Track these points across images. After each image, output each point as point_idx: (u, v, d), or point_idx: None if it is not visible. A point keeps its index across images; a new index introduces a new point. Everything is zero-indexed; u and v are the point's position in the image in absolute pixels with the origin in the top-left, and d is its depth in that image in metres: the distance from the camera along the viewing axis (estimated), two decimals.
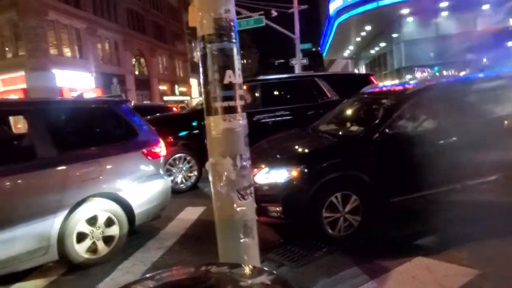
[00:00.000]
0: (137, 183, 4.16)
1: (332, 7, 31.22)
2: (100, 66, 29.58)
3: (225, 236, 2.33)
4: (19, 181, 3.48)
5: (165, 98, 39.89)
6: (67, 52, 27.21)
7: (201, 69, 2.32)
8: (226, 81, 2.24)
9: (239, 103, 2.29)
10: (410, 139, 4.22)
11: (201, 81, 2.32)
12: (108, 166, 4.00)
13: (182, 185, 6.56)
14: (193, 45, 51.72)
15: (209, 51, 2.25)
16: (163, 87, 41.18)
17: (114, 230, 3.93)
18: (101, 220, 3.85)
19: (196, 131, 6.77)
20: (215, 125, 2.27)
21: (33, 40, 23.77)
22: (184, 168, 6.55)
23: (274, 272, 1.57)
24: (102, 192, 3.89)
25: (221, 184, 2.24)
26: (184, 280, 1.50)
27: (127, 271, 3.65)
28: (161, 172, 4.58)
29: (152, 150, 4.42)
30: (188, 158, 6.56)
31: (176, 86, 44.46)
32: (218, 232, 2.37)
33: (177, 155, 6.50)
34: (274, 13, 21.51)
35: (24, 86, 24.05)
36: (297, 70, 22.72)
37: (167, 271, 1.59)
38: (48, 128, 3.79)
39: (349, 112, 5.55)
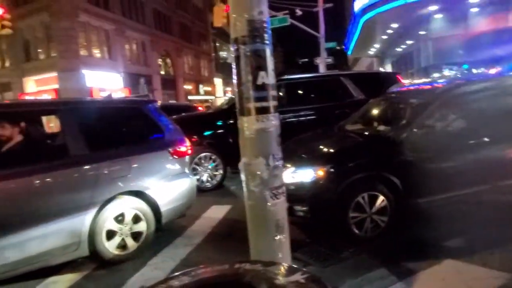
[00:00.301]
0: (164, 182, 4.24)
1: (358, 5, 30.76)
2: (128, 67, 30.30)
3: (257, 234, 2.37)
4: (53, 178, 3.58)
5: (190, 97, 40.41)
6: (96, 53, 28.02)
7: (234, 70, 2.37)
8: (259, 82, 2.28)
9: (272, 103, 2.33)
10: (440, 139, 4.14)
11: (235, 82, 2.37)
12: (136, 165, 4.09)
13: (208, 184, 6.66)
14: (217, 44, 52.20)
15: (243, 53, 2.29)
16: (188, 87, 41.75)
17: (142, 226, 4.01)
18: (129, 217, 3.93)
19: (221, 131, 6.85)
20: (248, 125, 2.31)
21: (64, 41, 24.62)
22: (210, 167, 6.64)
23: (308, 270, 1.58)
24: (130, 190, 3.98)
25: (254, 183, 2.28)
26: (218, 277, 1.53)
27: (156, 267, 3.74)
28: (187, 171, 4.64)
29: (178, 149, 4.49)
30: (213, 157, 6.65)
31: (201, 86, 44.98)
32: (250, 230, 2.41)
33: (202, 154, 6.60)
34: (299, 12, 21.44)
35: (56, 86, 24.97)
36: (322, 69, 22.55)
37: (201, 268, 1.61)
38: (79, 127, 3.91)
39: (376, 111, 5.48)
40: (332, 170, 3.96)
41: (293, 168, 4.05)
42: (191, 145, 6.65)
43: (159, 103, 5.29)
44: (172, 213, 4.35)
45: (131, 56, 32.08)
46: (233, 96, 9.13)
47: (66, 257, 3.62)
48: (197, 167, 6.49)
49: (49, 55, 25.78)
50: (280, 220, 2.31)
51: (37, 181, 3.48)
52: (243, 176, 2.37)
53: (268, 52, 2.33)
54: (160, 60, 36.96)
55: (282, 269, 1.59)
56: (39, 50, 26.45)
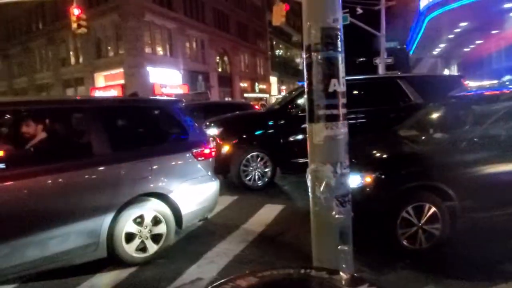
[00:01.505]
0: (186, 184, 4.10)
1: (423, 3, 29.23)
2: (187, 64, 31.43)
3: (320, 242, 2.38)
4: (74, 178, 3.49)
5: (246, 95, 41.00)
6: (159, 50, 29.39)
7: (305, 77, 2.39)
8: (330, 89, 2.28)
9: (342, 111, 2.32)
10: (503, 150, 3.81)
11: (305, 88, 2.39)
12: (158, 166, 3.97)
13: (257, 183, 6.68)
14: (274, 43, 52.35)
15: (315, 60, 2.30)
16: (244, 84, 42.39)
17: (162, 229, 3.89)
18: (148, 220, 3.82)
19: (271, 131, 6.84)
20: (317, 132, 2.33)
21: (131, 40, 26.13)
22: (259, 166, 6.69)
23: (375, 281, 1.53)
24: (151, 191, 3.87)
25: (321, 190, 2.29)
26: (284, 281, 1.53)
27: (211, 261, 3.81)
28: (210, 173, 4.45)
29: (202, 151, 4.32)
30: (263, 156, 6.68)
31: (257, 84, 45.44)
32: (313, 236, 2.42)
33: (253, 153, 6.62)
34: (360, 11, 20.85)
35: (122, 82, 26.61)
36: (381, 70, 21.78)
37: (266, 270, 1.61)
38: (103, 126, 3.82)
39: (433, 117, 5.15)
40: (381, 177, 3.76)
41: None
42: (242, 144, 6.50)
43: (184, 103, 5.14)
44: (193, 216, 4.22)
45: (191, 54, 33.23)
46: (286, 95, 9.02)
47: (86, 257, 3.53)
48: (247, 166, 6.51)
49: (117, 53, 27.49)
50: (345, 229, 2.30)
51: (58, 180, 3.40)
52: (309, 182, 2.38)
53: (340, 59, 2.33)
54: (217, 58, 37.91)
55: (348, 278, 1.55)
56: (108, 48, 28.32)
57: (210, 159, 4.49)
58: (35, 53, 34.52)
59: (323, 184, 2.28)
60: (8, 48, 36.85)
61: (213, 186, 4.41)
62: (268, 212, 5.35)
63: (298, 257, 3.75)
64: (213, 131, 6.84)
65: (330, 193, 2.28)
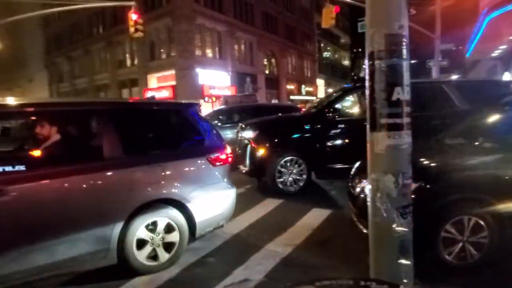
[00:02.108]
0: (201, 191, 3.93)
1: (483, 3, 27.51)
2: (236, 66, 31.96)
3: (380, 253, 2.32)
4: (85, 181, 3.36)
5: (292, 97, 40.88)
6: (208, 53, 30.15)
7: (367, 84, 2.34)
8: (394, 97, 2.22)
9: (405, 120, 2.25)
10: None
11: (367, 96, 2.34)
12: (172, 171, 3.82)
13: (291, 187, 6.51)
14: (322, 45, 51.76)
15: (378, 67, 2.25)
16: (290, 87, 42.30)
17: (174, 237, 3.75)
18: (161, 226, 3.69)
19: (308, 135, 6.67)
20: (378, 141, 2.28)
21: (183, 42, 27.04)
22: (295, 171, 6.57)
23: None
24: (164, 197, 3.74)
25: (381, 200, 2.24)
26: None
27: (258, 263, 3.80)
28: (226, 180, 4.26)
29: (218, 157, 4.14)
30: (298, 161, 6.50)
31: (303, 86, 45.16)
32: (372, 247, 2.37)
33: (289, 157, 6.46)
34: (413, 12, 20.04)
35: (173, 83, 27.60)
36: (435, 73, 20.79)
37: (324, 279, 1.60)
38: (116, 129, 3.71)
39: (483, 125, 4.82)
40: (424, 186, 3.54)
41: None
42: (278, 147, 6.39)
43: (200, 106, 4.93)
44: (208, 224, 4.03)
45: (239, 56, 33.74)
46: (324, 99, 8.69)
47: (94, 264, 3.42)
48: (281, 171, 6.35)
49: (169, 55, 28.56)
50: (405, 242, 2.23)
51: (67, 183, 3.29)
52: (368, 191, 2.34)
53: (405, 67, 2.26)
54: (265, 60, 38.16)
55: None
56: (161, 50, 29.50)
57: (227, 165, 4.30)
58: (95, 55, 36.76)
59: (384, 194, 2.22)
60: (71, 50, 39.62)
61: (230, 193, 4.24)
62: (316, 217, 5.29)
63: (346, 264, 3.69)
64: (248, 134, 6.76)
65: (391, 204, 2.21)
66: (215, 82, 28.76)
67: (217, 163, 4.13)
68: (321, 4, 23.61)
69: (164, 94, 28.09)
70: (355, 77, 7.60)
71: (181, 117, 4.32)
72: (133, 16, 16.19)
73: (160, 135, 4.24)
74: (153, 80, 30.13)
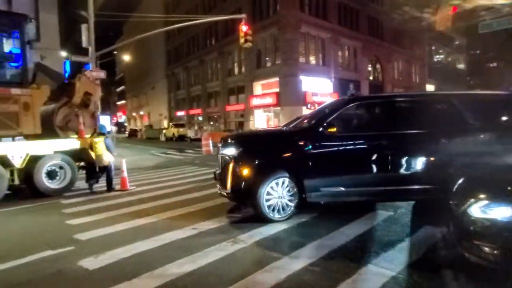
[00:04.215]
0: None
1: None
2: (338, 72, 32.02)
3: None
4: None
5: None
6: (312, 60, 30.82)
7: None
8: None
9: None
10: None
11: None
12: None
13: (280, 214, 5.32)
14: (433, 48, 48.36)
15: None
16: None
17: None
18: None
19: (301, 152, 5.44)
20: None
21: (287, 50, 28.20)
22: (285, 194, 5.41)
23: None
24: None
25: None
26: None
27: (366, 279, 3.51)
28: None
29: None
30: (289, 183, 5.40)
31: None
32: None
33: (278, 179, 5.39)
34: None
35: (277, 90, 28.92)
36: None
37: None
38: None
39: None
40: None
41: (486, 202, 3.38)
42: (265, 167, 5.27)
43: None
44: None
45: (342, 62, 33.69)
46: (319, 110, 6.54)
47: None
48: (270, 194, 5.20)
49: (274, 63, 30.01)
50: None
51: None
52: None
53: None
54: (369, 65, 37.32)
55: None
56: (267, 59, 31.14)
57: None
58: (208, 65, 40.42)
59: None
60: (188, 61, 44.26)
61: None
62: (428, 235, 4.65)
63: None
64: (230, 150, 5.49)
65: None
66: (318, 89, 29.26)
67: None
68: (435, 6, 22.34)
69: (268, 101, 29.62)
70: (352, 95, 6.12)
71: None
72: (244, 28, 17.67)
73: None
74: (258, 87, 31.95)
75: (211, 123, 39.38)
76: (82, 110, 8.90)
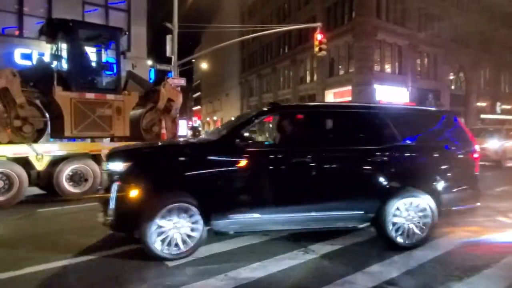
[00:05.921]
0: None
1: None
2: (416, 81, 30.37)
3: None
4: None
5: (482, 116, 36.03)
6: (387, 68, 29.66)
7: None
8: None
9: None
10: None
11: None
12: None
13: (176, 250, 4.11)
14: None
15: None
16: (481, 104, 37.31)
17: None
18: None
19: (207, 170, 4.26)
20: None
21: (361, 58, 27.50)
22: (186, 224, 4.20)
23: None
24: None
25: None
26: None
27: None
28: None
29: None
30: (190, 209, 4.24)
31: (498, 104, 39.11)
32: None
33: (176, 204, 4.36)
34: None
35: (349, 99, 28.30)
36: None
37: None
38: None
39: None
40: None
41: None
42: (159, 188, 4.14)
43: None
44: None
45: (421, 71, 31.92)
46: (235, 119, 5.82)
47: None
48: (165, 222, 4.03)
49: (347, 71, 29.43)
50: None
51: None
52: None
53: None
54: (451, 74, 34.84)
55: None
56: (339, 67, 30.67)
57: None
58: (280, 73, 40.92)
59: None
60: (261, 69, 45.27)
61: None
62: None
63: None
64: (116, 165, 4.19)
65: None
66: (393, 98, 28.04)
67: None
68: None
69: None
70: (271, 103, 5.10)
71: None
72: (319, 36, 17.64)
73: None
74: (330, 96, 31.53)
75: None
76: (165, 115, 9.63)
